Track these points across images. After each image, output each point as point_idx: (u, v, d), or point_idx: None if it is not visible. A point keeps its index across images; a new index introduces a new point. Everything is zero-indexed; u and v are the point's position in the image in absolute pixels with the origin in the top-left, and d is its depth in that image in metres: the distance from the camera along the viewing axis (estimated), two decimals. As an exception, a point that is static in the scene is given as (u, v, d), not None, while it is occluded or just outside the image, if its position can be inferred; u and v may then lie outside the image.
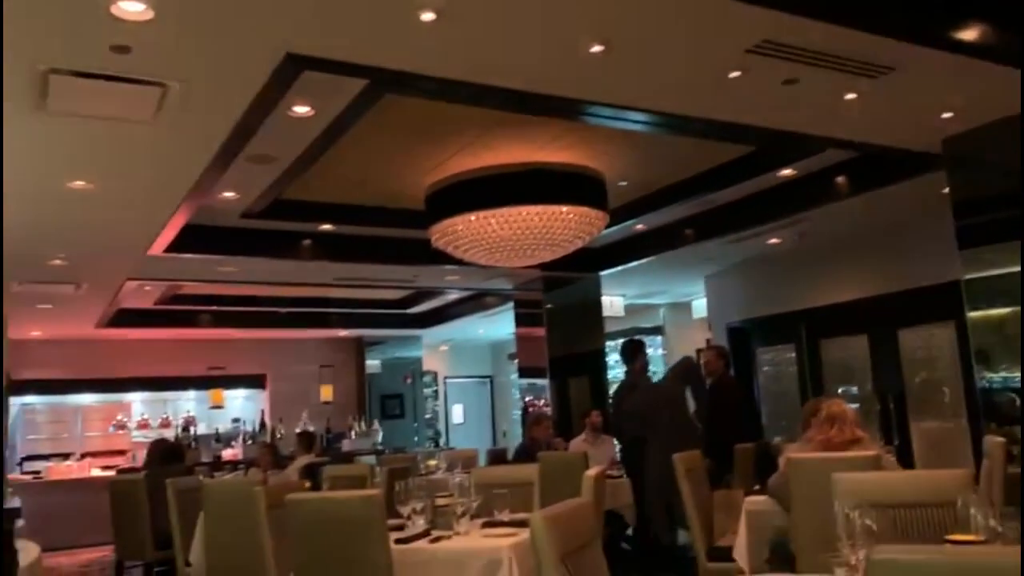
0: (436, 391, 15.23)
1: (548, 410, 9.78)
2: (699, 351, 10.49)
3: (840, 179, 6.42)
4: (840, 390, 8.19)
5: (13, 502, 3.24)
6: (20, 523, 3.32)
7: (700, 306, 11.39)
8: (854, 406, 5.29)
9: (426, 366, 14.64)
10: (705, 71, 4.13)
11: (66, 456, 10.91)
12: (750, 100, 4.52)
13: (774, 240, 8.02)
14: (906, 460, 6.98)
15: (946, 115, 4.94)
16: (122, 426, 12.07)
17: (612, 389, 9.93)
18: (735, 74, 4.13)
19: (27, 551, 3.32)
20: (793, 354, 8.93)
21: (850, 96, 4.49)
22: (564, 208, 6.18)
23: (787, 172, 6.44)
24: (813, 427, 4.13)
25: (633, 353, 7.40)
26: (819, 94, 4.45)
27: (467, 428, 15.34)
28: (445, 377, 15.53)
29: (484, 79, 4.03)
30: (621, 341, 7.99)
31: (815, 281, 8.58)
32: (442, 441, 14.03)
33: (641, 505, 6.59)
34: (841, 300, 8.28)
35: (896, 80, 4.29)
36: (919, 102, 4.71)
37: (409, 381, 14.24)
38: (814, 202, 6.71)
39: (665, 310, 12.40)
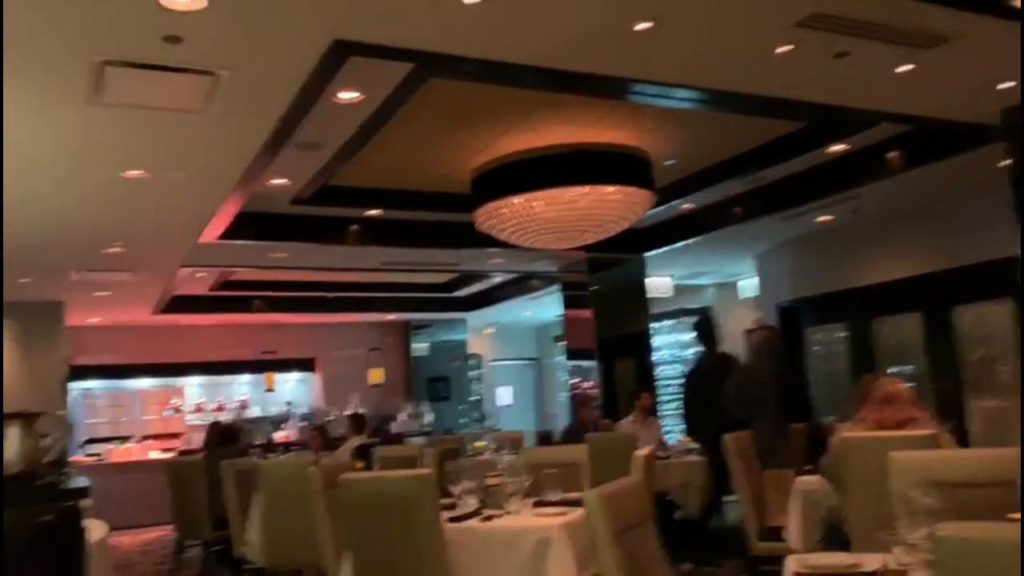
0: (481, 374, 15.31)
1: (596, 392, 9.78)
2: (747, 331, 10.36)
3: (893, 154, 6.28)
4: (893, 369, 8.03)
5: (80, 482, 3.35)
6: (87, 502, 3.43)
7: (746, 286, 11.26)
8: (909, 385, 5.20)
9: (472, 349, 14.72)
10: (753, 46, 4.06)
11: (125, 439, 11.27)
12: (800, 75, 4.43)
13: (825, 217, 7.87)
14: (962, 440, 6.84)
15: (1004, 85, 4.78)
16: (177, 410, 12.37)
17: (657, 370, 9.87)
18: (784, 48, 4.06)
19: (95, 529, 3.44)
20: (844, 333, 8.79)
21: (903, 68, 4.38)
22: (610, 189, 6.15)
23: (838, 147, 6.32)
24: (867, 406, 4.06)
25: (711, 330, 7.07)
26: (871, 67, 4.35)
27: (513, 410, 15.39)
28: (491, 360, 15.59)
29: (529, 60, 4.02)
30: (694, 319, 7.75)
31: (867, 259, 8.41)
32: (488, 423, 14.11)
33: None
34: (894, 278, 8.11)
35: (951, 50, 4.17)
36: (976, 72, 4.57)
37: (456, 364, 14.34)
38: (866, 178, 6.58)
39: (713, 290, 12.27)
